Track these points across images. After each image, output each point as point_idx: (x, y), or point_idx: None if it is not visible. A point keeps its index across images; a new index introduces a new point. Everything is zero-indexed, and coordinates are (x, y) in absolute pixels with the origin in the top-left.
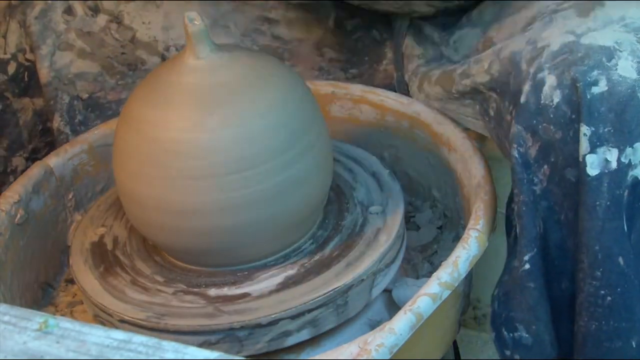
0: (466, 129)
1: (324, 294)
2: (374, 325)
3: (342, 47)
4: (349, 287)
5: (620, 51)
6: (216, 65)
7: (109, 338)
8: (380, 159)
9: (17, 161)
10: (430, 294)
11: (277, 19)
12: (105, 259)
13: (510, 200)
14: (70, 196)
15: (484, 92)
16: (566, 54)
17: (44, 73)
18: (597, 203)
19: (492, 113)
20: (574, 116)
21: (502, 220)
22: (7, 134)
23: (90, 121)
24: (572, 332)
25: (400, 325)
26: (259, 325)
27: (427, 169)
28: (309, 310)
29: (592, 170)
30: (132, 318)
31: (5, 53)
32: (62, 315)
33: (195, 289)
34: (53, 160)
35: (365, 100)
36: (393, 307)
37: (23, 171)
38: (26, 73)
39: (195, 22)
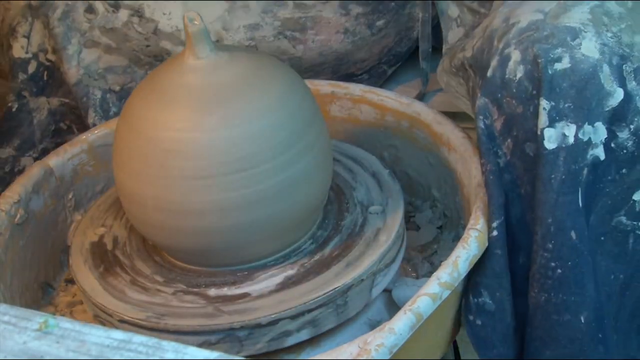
0: (466, 129)
1: (324, 294)
2: (374, 325)
3: None
4: (348, 287)
5: (585, 32)
6: (216, 65)
7: (109, 338)
8: (380, 159)
9: (26, 161)
10: (430, 294)
11: None
12: (105, 259)
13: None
14: (70, 196)
15: (467, 69)
16: (532, 31)
17: (73, 72)
18: (553, 176)
19: (470, 92)
20: (534, 92)
21: None
22: (19, 134)
23: (106, 121)
24: (525, 307)
25: (400, 325)
26: (259, 325)
27: (427, 169)
28: (309, 310)
29: (550, 144)
30: (132, 318)
31: (27, 52)
32: (62, 315)
33: (195, 289)
34: (53, 160)
35: (365, 100)
36: (393, 307)
37: None
38: (45, 72)
39: (195, 22)
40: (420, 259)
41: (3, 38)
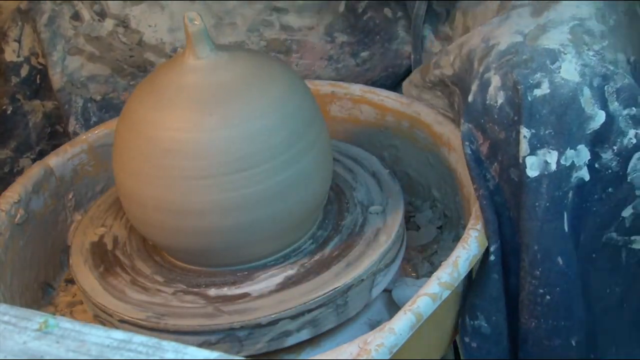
0: None
1: (324, 294)
2: (374, 325)
3: (353, 29)
4: (348, 287)
5: (565, 53)
6: (216, 65)
7: (109, 338)
8: (380, 159)
9: (24, 162)
10: (430, 294)
11: (286, 7)
12: (105, 259)
13: None
14: (70, 196)
15: (449, 86)
16: (512, 55)
17: (57, 78)
18: (537, 204)
19: (456, 107)
20: (516, 118)
21: None
22: (16, 136)
23: (106, 121)
24: (517, 331)
25: (400, 325)
26: (259, 325)
27: (427, 169)
28: (309, 310)
29: (532, 171)
30: (132, 318)
31: (18, 56)
32: (62, 315)
33: (195, 289)
34: (53, 160)
35: (365, 100)
36: (393, 307)
37: None
38: (38, 76)
39: (195, 22)
40: (420, 259)
41: None
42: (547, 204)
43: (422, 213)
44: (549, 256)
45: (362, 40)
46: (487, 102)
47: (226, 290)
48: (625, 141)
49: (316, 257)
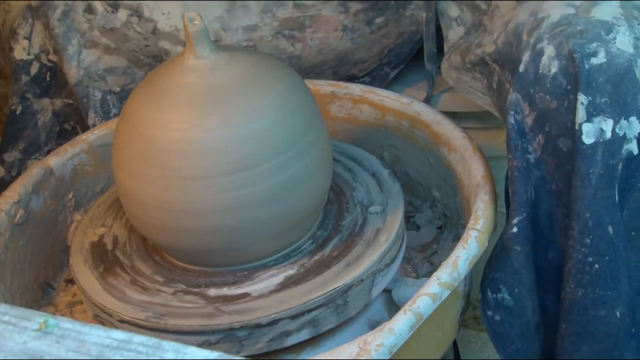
0: (466, 129)
1: (324, 294)
2: (373, 325)
3: None
4: (348, 287)
5: (618, 26)
6: (216, 65)
7: (109, 338)
8: (380, 159)
9: (32, 164)
10: (430, 294)
11: None
12: (105, 259)
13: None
14: (70, 196)
15: (489, 64)
16: (565, 26)
17: (73, 73)
18: (591, 171)
19: (495, 86)
20: (569, 87)
21: (502, 220)
22: (25, 136)
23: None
24: (556, 302)
25: (400, 325)
26: (259, 325)
27: (427, 169)
28: (309, 310)
29: (588, 138)
30: (132, 318)
31: (28, 54)
32: (62, 315)
33: (195, 289)
34: (53, 160)
35: (365, 100)
36: (393, 307)
37: None
38: (48, 74)
39: (195, 22)
40: (420, 259)
41: (4, 40)
42: (601, 172)
43: (422, 213)
44: (600, 224)
45: (375, 5)
46: (540, 71)
47: (226, 290)
48: None
49: (316, 257)
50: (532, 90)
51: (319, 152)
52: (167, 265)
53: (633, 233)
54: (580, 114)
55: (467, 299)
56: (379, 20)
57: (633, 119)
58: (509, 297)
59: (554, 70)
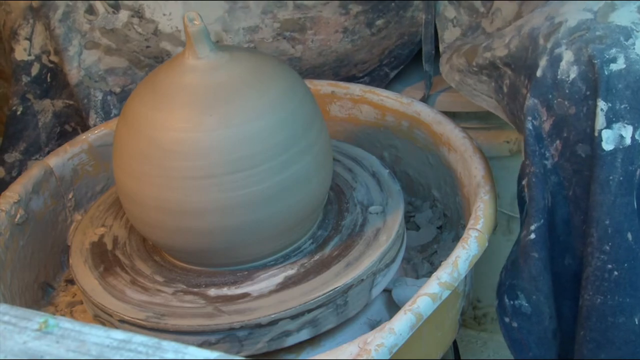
0: (466, 129)
1: (324, 294)
2: (373, 325)
3: None
4: (348, 287)
5: (637, 31)
6: (216, 65)
7: (109, 338)
8: (380, 159)
9: (33, 165)
10: (430, 294)
11: None
12: (105, 259)
13: (521, 173)
14: (70, 196)
15: (500, 68)
16: (584, 31)
17: (74, 73)
18: (611, 178)
19: (505, 89)
20: (588, 92)
21: (503, 220)
22: (25, 137)
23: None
24: (572, 308)
25: (400, 325)
26: (259, 325)
27: (427, 169)
28: (309, 310)
29: (607, 145)
30: (132, 318)
31: (29, 55)
32: (62, 315)
33: (195, 289)
34: (53, 160)
35: (365, 100)
36: (393, 307)
37: None
38: (49, 74)
39: (195, 22)
40: (420, 259)
41: (5, 41)
42: (621, 178)
43: (422, 213)
44: (619, 231)
45: (376, 7)
46: (558, 76)
47: (226, 290)
48: None
49: (316, 257)
50: (550, 96)
51: (319, 152)
52: (167, 265)
53: None
54: (600, 120)
55: (467, 299)
56: (379, 22)
57: None
58: (526, 304)
59: (573, 75)
